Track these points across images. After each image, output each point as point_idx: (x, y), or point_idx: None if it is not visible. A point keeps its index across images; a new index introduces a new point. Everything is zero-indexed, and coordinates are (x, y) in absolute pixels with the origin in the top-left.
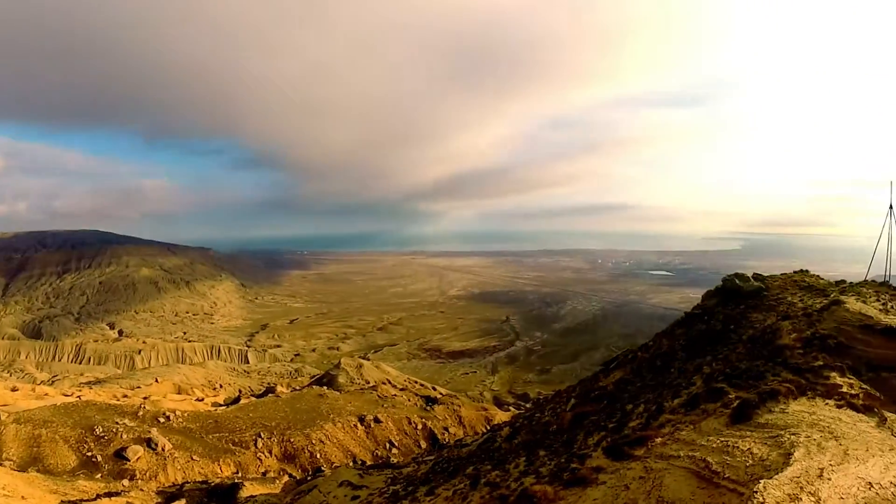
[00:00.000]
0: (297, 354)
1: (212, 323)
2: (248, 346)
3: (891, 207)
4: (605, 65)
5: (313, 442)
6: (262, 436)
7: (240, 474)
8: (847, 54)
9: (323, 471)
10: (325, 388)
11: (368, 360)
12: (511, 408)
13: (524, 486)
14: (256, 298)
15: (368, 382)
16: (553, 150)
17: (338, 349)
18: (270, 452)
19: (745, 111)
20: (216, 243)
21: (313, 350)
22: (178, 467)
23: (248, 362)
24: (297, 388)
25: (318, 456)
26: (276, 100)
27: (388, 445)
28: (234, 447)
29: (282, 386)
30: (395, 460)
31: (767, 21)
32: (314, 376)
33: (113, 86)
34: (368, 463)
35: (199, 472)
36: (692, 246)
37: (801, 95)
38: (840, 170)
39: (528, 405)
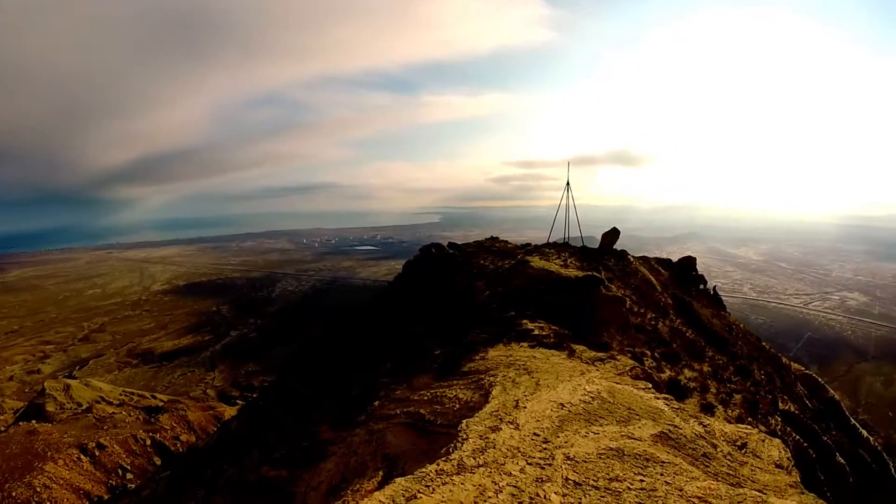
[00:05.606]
0: None
1: None
2: None
3: (567, 184)
4: (317, 43)
5: (38, 490)
6: None
7: None
8: (541, 52)
9: None
10: (34, 422)
11: (76, 378)
12: (238, 401)
13: (261, 475)
14: None
15: (81, 405)
16: (258, 129)
17: (39, 372)
18: None
19: (451, 101)
20: None
21: (10, 378)
22: None
23: None
24: (2, 428)
25: None
26: None
27: (120, 472)
28: None
29: None
30: (133, 486)
31: (480, 19)
32: (18, 410)
33: None
34: (105, 497)
35: None
36: (396, 221)
37: (499, 87)
38: (529, 152)
39: (253, 395)
